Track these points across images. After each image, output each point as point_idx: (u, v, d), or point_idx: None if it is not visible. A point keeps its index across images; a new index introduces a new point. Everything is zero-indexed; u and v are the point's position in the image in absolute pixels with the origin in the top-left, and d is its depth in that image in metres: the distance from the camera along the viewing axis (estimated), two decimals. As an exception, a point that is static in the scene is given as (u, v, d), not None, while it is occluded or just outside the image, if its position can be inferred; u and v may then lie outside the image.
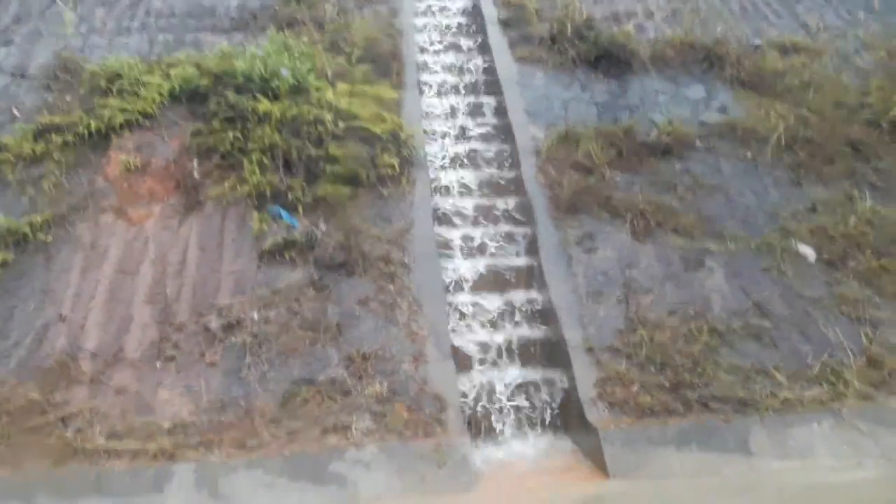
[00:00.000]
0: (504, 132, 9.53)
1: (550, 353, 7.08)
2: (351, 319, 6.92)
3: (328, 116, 8.27)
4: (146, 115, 8.17)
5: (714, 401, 6.42)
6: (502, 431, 6.64)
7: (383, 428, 6.04)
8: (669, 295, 7.41)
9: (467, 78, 10.55)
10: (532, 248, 8.01)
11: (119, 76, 8.54)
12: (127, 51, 9.72)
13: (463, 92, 10.35)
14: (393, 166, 8.32)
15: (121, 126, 8.01)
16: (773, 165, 9.01)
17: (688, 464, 5.93)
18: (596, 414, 6.34)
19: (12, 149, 7.88)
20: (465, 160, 9.16)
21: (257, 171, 7.87)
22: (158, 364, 6.45)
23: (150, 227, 7.51)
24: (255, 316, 6.82)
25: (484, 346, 7.02)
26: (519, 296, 7.61)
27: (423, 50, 11.17)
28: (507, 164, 9.13)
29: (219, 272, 7.23)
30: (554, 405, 6.75)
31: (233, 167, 8.07)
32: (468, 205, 8.47)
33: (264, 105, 8.18)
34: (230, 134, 8.06)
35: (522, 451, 6.50)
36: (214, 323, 6.76)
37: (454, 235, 8.09)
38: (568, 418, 6.69)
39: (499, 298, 7.55)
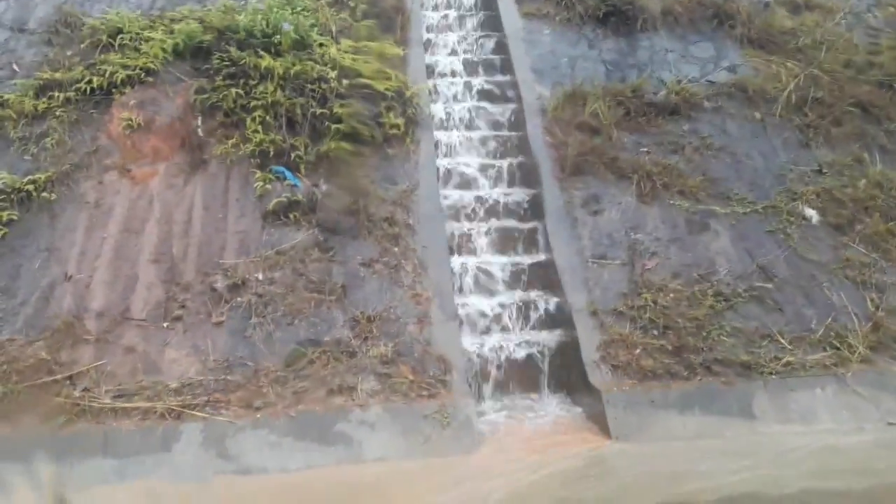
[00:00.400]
0: (510, 90, 9.40)
1: (554, 315, 7.09)
2: (356, 281, 6.93)
3: (332, 74, 8.15)
4: (149, 72, 8.03)
5: (717, 364, 6.46)
6: (505, 393, 6.70)
7: (388, 389, 6.09)
8: (674, 258, 7.39)
9: (473, 35, 10.37)
10: (537, 210, 7.96)
11: (120, 31, 8.40)
12: (128, 5, 9.52)
13: (468, 49, 10.18)
14: (398, 126, 8.22)
15: (122, 83, 7.88)
16: (782, 126, 8.91)
17: (690, 426, 6.00)
18: (599, 376, 6.38)
19: (13, 105, 7.77)
20: (470, 119, 9.05)
21: (260, 129, 7.78)
22: (165, 324, 6.47)
23: (154, 186, 7.46)
24: (261, 276, 6.83)
25: (487, 309, 7.04)
26: (523, 258, 7.60)
27: (427, 6, 10.96)
28: (512, 124, 9.02)
29: (224, 232, 7.20)
30: (557, 368, 6.79)
31: (236, 125, 7.98)
32: (473, 164, 8.40)
33: (266, 61, 8.04)
34: (233, 91, 7.94)
35: (525, 413, 6.55)
36: (220, 283, 6.77)
37: (458, 196, 8.03)
38: (571, 381, 6.73)
39: (503, 260, 7.53)
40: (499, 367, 6.68)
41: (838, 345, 6.61)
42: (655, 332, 6.71)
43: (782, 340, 6.66)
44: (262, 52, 8.13)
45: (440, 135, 8.70)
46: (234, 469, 5.46)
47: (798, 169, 8.39)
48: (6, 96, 7.92)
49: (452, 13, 10.87)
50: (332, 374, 6.17)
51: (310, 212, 7.34)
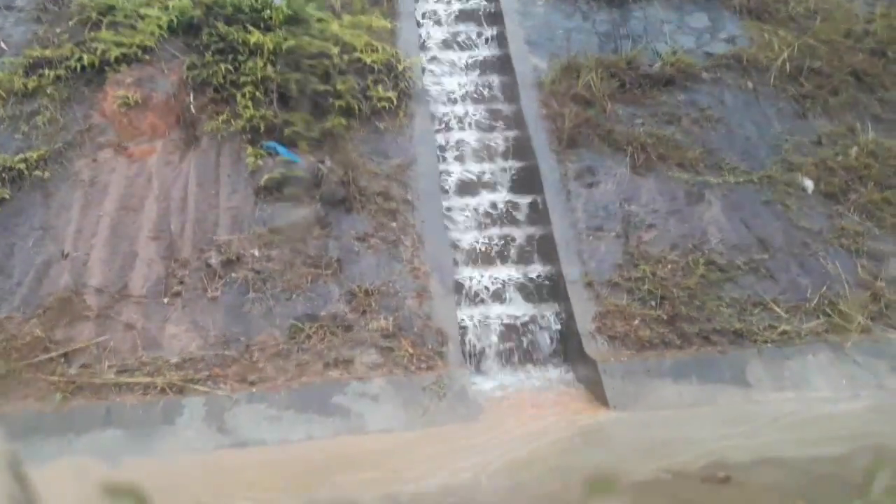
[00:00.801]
0: (504, 63, 9.34)
1: (550, 287, 7.13)
2: (352, 255, 6.93)
3: (335, 50, 8.06)
4: (145, 49, 7.94)
5: (712, 333, 6.51)
6: (503, 364, 6.74)
7: (390, 362, 6.13)
8: (669, 229, 7.42)
9: (467, 6, 10.27)
10: (532, 183, 7.95)
11: (112, 8, 8.27)
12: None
13: (461, 21, 10.08)
14: (390, 99, 8.16)
15: (117, 60, 7.79)
16: (777, 97, 8.89)
17: (685, 395, 6.06)
18: (595, 347, 6.43)
19: (3, 83, 7.68)
20: (465, 93, 9.00)
21: (250, 105, 7.71)
22: (165, 300, 6.48)
23: (153, 163, 7.43)
24: (256, 252, 6.82)
25: (483, 281, 7.06)
26: (519, 231, 7.61)
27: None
28: (507, 97, 8.98)
29: (217, 208, 7.19)
30: (553, 339, 6.83)
31: (226, 101, 7.91)
32: (469, 139, 8.37)
33: (255, 36, 7.92)
34: (222, 67, 7.85)
35: (522, 383, 6.61)
36: (214, 259, 6.77)
37: (454, 170, 8.02)
38: (568, 351, 6.79)
39: (499, 233, 7.54)
40: (496, 338, 6.72)
41: (832, 313, 6.67)
42: (651, 303, 6.75)
43: (777, 309, 6.71)
44: (250, 28, 8.02)
45: (435, 107, 8.66)
46: (236, 442, 5.51)
47: (793, 139, 8.38)
48: (-4, 75, 7.84)
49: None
50: (330, 348, 6.20)
51: (311, 187, 7.30)
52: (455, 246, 7.35)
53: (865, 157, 8.12)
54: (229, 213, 7.15)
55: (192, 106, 7.78)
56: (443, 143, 8.33)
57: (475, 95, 9.03)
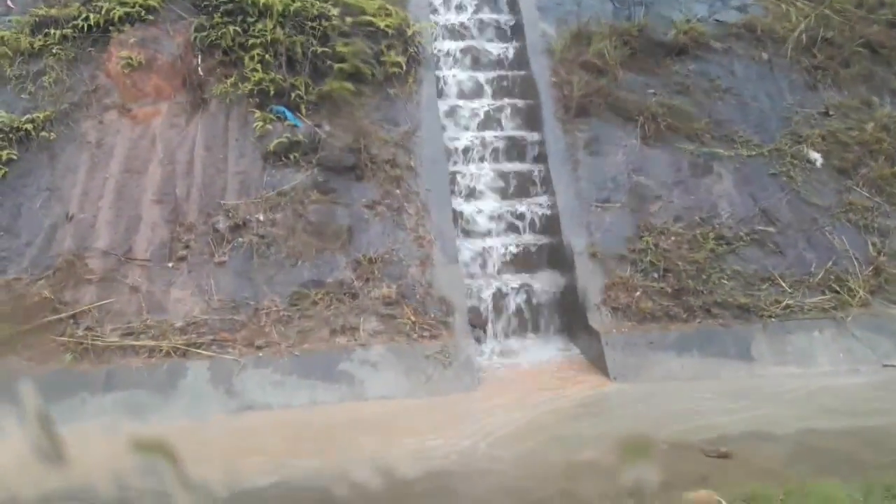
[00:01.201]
0: (515, 29, 9.21)
1: (555, 258, 7.12)
2: (359, 223, 6.93)
3: (335, 11, 7.96)
4: (149, 10, 7.85)
5: (716, 307, 6.52)
6: (506, 335, 6.78)
7: (392, 329, 6.16)
8: (677, 201, 7.38)
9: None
10: (540, 152, 7.89)
11: (117, -34, 8.15)
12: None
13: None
14: (399, 64, 8.08)
15: (120, 20, 7.70)
16: (790, 68, 8.76)
17: (688, 368, 6.10)
18: (599, 319, 6.45)
19: (9, 43, 7.61)
20: (475, 58, 8.90)
21: (259, 68, 7.64)
22: (170, 264, 6.51)
23: (157, 126, 7.38)
24: (262, 217, 6.82)
25: (488, 251, 7.06)
26: (526, 201, 7.57)
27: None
28: (517, 63, 8.87)
29: (224, 172, 7.17)
30: (558, 310, 6.85)
31: (235, 64, 7.83)
32: (477, 107, 8.30)
33: (264, -4, 7.85)
34: (230, 28, 7.75)
35: (525, 353, 6.65)
36: (222, 224, 6.77)
37: (461, 138, 7.97)
38: (571, 323, 6.82)
39: (505, 203, 7.52)
40: (500, 308, 6.74)
41: (838, 288, 6.66)
42: (655, 275, 6.75)
43: (782, 283, 6.71)
44: (259, -13, 7.91)
45: (443, 73, 8.58)
46: (240, 405, 5.58)
47: (804, 111, 8.29)
48: (1, 33, 7.74)
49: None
50: (335, 314, 6.23)
51: (311, 152, 7.27)
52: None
53: (878, 132, 8.03)
54: (237, 177, 7.13)
55: (199, 68, 7.71)
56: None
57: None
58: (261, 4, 7.80)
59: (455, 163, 7.82)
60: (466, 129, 8.19)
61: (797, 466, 4.63)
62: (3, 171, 6.88)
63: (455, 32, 9.22)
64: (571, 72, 8.39)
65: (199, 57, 7.74)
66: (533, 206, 7.49)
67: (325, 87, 7.68)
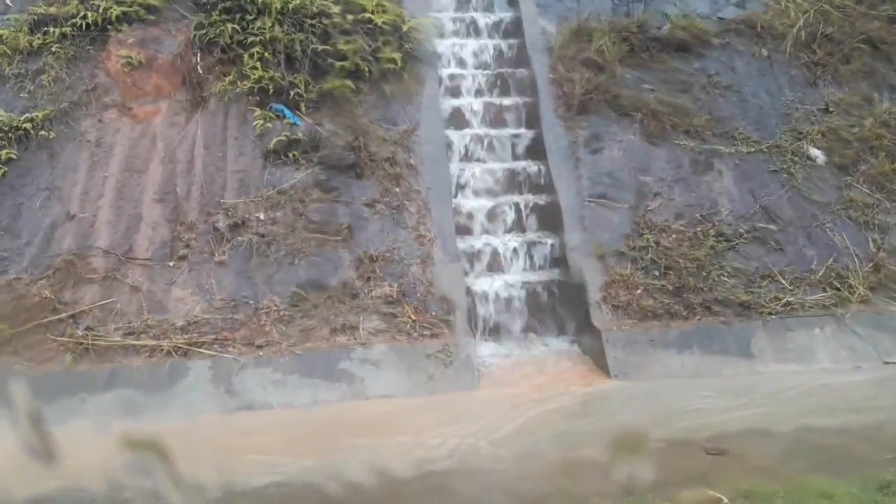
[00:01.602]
0: (515, 26, 9.19)
1: (556, 256, 7.12)
2: (359, 221, 6.92)
3: (335, 9, 7.94)
4: (149, 9, 7.83)
5: (717, 304, 6.52)
6: (507, 332, 6.78)
7: (394, 328, 6.16)
8: (678, 198, 7.37)
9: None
10: (540, 150, 7.88)
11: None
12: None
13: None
14: (394, 61, 8.04)
15: (118, 19, 7.68)
16: (789, 64, 8.75)
17: (688, 365, 6.10)
18: (600, 317, 6.45)
19: (8, 41, 7.59)
20: (474, 56, 8.88)
21: (258, 66, 7.62)
22: (171, 263, 6.51)
23: (157, 125, 7.38)
24: (262, 216, 6.82)
25: (488, 249, 7.07)
26: (526, 199, 7.56)
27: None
28: (517, 61, 8.85)
29: (224, 171, 7.17)
30: (558, 308, 6.85)
31: (233, 62, 7.81)
32: (477, 105, 8.28)
33: (263, -6, 7.82)
34: (229, 26, 7.73)
35: (525, 351, 6.65)
36: (221, 222, 6.77)
37: (461, 137, 7.96)
38: (574, 321, 6.81)
39: (506, 201, 7.51)
40: (500, 306, 6.75)
41: (838, 285, 6.67)
42: (656, 273, 6.75)
43: (783, 281, 6.71)
44: (258, -15, 7.89)
45: (443, 72, 8.55)
46: (241, 404, 5.59)
47: (804, 108, 8.28)
48: (0, 32, 7.75)
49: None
50: (336, 313, 6.23)
51: (311, 150, 7.26)
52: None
53: (878, 128, 8.02)
54: (236, 176, 7.13)
55: (198, 66, 7.69)
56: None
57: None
58: (259, 2, 7.78)
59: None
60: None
61: (797, 463, 4.64)
62: (2, 171, 6.89)
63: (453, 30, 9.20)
64: (571, 69, 8.37)
65: (198, 55, 7.73)
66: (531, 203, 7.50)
67: (325, 84, 7.67)
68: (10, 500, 4.40)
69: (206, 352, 5.86)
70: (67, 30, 7.68)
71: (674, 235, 7.00)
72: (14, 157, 6.98)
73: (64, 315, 6.07)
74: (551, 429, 5.26)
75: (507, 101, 8.39)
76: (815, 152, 7.84)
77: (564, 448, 4.94)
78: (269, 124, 7.36)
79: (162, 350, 5.85)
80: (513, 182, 7.71)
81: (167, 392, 5.60)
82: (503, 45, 8.99)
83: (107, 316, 6.08)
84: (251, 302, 6.32)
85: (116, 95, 7.50)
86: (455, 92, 8.51)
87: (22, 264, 6.38)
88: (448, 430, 5.23)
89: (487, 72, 8.71)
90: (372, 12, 8.14)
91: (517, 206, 7.45)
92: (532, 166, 7.78)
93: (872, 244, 7.04)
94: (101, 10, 7.66)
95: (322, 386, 5.75)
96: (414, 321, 6.23)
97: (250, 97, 7.61)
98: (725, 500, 3.82)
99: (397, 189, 7.19)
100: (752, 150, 7.80)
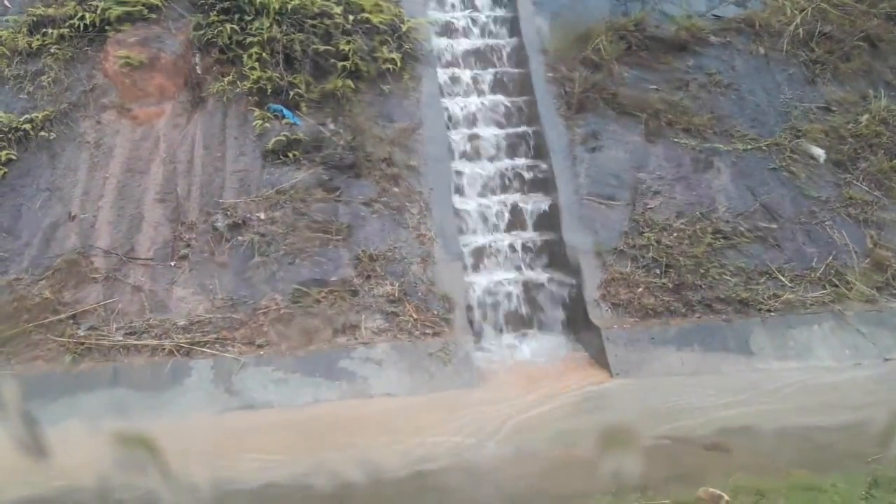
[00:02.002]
0: (512, 24, 9.19)
1: (555, 254, 7.13)
2: (358, 220, 6.93)
3: (338, 10, 7.94)
4: (151, 8, 7.83)
5: (717, 302, 6.54)
6: (507, 331, 6.79)
7: (395, 327, 6.17)
8: (677, 196, 7.39)
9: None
10: (539, 149, 7.89)
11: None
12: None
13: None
14: (393, 61, 8.04)
15: (119, 19, 7.68)
16: (788, 62, 8.76)
17: (689, 363, 6.11)
18: (599, 314, 6.46)
19: (7, 42, 7.59)
20: (473, 56, 8.88)
21: (257, 66, 7.62)
22: (173, 263, 6.51)
23: (160, 126, 7.38)
24: (262, 216, 6.82)
25: (489, 248, 7.07)
26: (525, 197, 7.58)
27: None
28: (514, 60, 8.86)
29: (223, 171, 7.17)
30: (558, 306, 6.86)
31: (232, 62, 7.81)
32: (476, 104, 8.29)
33: (262, -6, 7.82)
34: (227, 27, 7.73)
35: (526, 349, 6.66)
36: (221, 222, 6.77)
37: (460, 137, 7.97)
38: (573, 319, 6.82)
39: (505, 200, 7.51)
40: (500, 304, 6.76)
41: (838, 283, 6.68)
42: (656, 271, 6.76)
43: (782, 278, 6.72)
44: (256, -14, 7.89)
45: (441, 71, 8.54)
46: (243, 404, 5.58)
47: (803, 106, 8.29)
48: (-1, 33, 7.75)
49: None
50: (337, 312, 6.24)
51: (313, 150, 7.27)
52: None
53: (876, 125, 8.04)
54: (236, 176, 7.13)
55: (198, 67, 7.70)
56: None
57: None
58: (257, 2, 7.77)
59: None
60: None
61: (797, 460, 4.65)
62: (2, 172, 6.88)
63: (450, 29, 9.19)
64: (569, 68, 8.38)
65: (197, 55, 7.73)
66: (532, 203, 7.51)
67: (328, 85, 7.67)
68: (8, 501, 4.41)
69: (209, 351, 5.86)
70: (66, 31, 7.66)
71: (674, 234, 7.01)
72: (14, 157, 6.97)
73: (64, 315, 6.06)
74: (553, 427, 5.28)
75: (504, 100, 8.38)
76: (819, 151, 7.85)
77: (566, 446, 4.96)
78: (267, 124, 7.36)
79: (164, 349, 5.85)
80: (511, 180, 7.70)
81: (168, 391, 5.60)
82: (500, 43, 8.99)
83: (108, 316, 6.08)
84: (251, 301, 6.32)
85: (115, 96, 7.48)
86: (451, 91, 8.51)
87: (22, 265, 6.38)
88: (449, 428, 5.25)
89: (485, 70, 8.70)
90: (370, 12, 8.14)
91: (515, 204, 7.45)
92: (530, 164, 7.78)
93: (871, 241, 7.05)
94: (99, 11, 7.65)
95: (324, 385, 5.75)
96: (416, 320, 6.24)
97: (249, 97, 7.61)
98: (726, 497, 3.82)
99: (396, 189, 7.19)
100: (750, 147, 7.82)
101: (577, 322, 6.72)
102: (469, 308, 6.64)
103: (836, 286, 6.65)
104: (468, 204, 7.42)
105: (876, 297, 6.59)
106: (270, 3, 7.77)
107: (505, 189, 7.68)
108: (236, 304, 6.29)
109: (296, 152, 7.24)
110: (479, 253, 7.07)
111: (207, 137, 7.37)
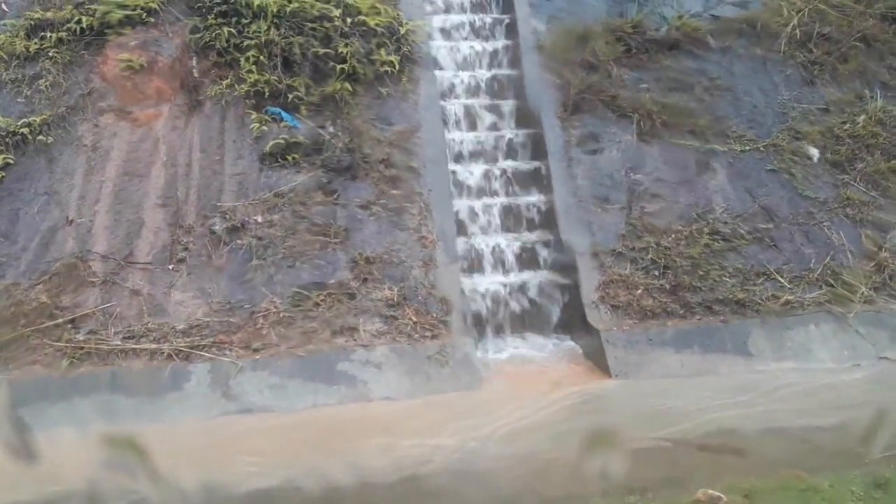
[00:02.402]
0: (509, 26, 9.19)
1: (554, 256, 7.12)
2: (355, 223, 6.92)
3: (336, 13, 7.95)
4: (149, 11, 7.83)
5: (715, 303, 6.54)
6: (506, 333, 6.79)
7: (395, 330, 6.16)
8: (674, 197, 7.39)
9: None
10: (535, 150, 7.90)
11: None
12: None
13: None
14: (391, 63, 8.04)
15: (120, 23, 7.68)
16: (785, 63, 8.77)
17: (687, 364, 6.12)
18: (598, 316, 6.46)
19: (5, 46, 7.58)
20: (470, 57, 8.88)
21: (254, 69, 7.63)
22: (171, 266, 6.50)
23: (159, 128, 7.38)
24: (260, 219, 6.82)
25: (487, 250, 7.07)
26: (522, 199, 7.57)
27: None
28: (511, 61, 8.86)
29: (221, 175, 7.17)
30: (556, 308, 6.86)
31: (230, 65, 7.82)
32: (473, 105, 8.29)
33: (258, -2, 7.83)
34: (225, 30, 7.74)
35: (525, 351, 6.66)
36: (219, 226, 6.77)
37: (457, 138, 7.97)
38: (571, 321, 6.82)
39: (502, 202, 7.52)
40: (499, 306, 6.75)
41: (835, 283, 6.68)
42: (654, 272, 6.76)
43: (780, 279, 6.73)
44: (254, -11, 7.89)
45: (441, 73, 8.56)
46: (241, 408, 5.57)
47: (802, 107, 8.30)
48: (-3, 37, 7.74)
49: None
50: (336, 315, 6.23)
51: (314, 153, 7.27)
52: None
53: (873, 126, 8.05)
54: (234, 179, 7.13)
55: (195, 70, 7.70)
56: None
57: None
58: (255, 6, 7.78)
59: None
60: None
61: (796, 460, 4.65)
62: (0, 176, 6.87)
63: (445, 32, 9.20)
64: (566, 69, 8.38)
65: (194, 59, 7.73)
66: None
67: (327, 88, 7.67)
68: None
69: (206, 355, 5.85)
70: (64, 35, 7.65)
71: (671, 235, 7.01)
72: (11, 162, 6.97)
73: (61, 320, 6.05)
74: (551, 429, 5.27)
75: (500, 102, 8.38)
76: (812, 150, 7.86)
77: (564, 448, 4.94)
78: (265, 127, 7.36)
79: (163, 353, 5.84)
80: (510, 181, 7.70)
81: (168, 396, 5.58)
82: (497, 45, 8.99)
83: (107, 320, 6.07)
84: (249, 305, 6.31)
85: (113, 100, 7.47)
86: (448, 93, 8.51)
87: (19, 269, 6.37)
88: (447, 431, 5.24)
89: (481, 72, 8.71)
90: (367, 15, 8.15)
91: (513, 206, 7.45)
92: (528, 166, 7.79)
93: (869, 241, 7.06)
94: (97, 14, 7.65)
95: (323, 389, 5.73)
96: (416, 323, 6.23)
97: (247, 100, 7.61)
98: (724, 499, 3.82)
99: (394, 191, 7.19)
100: (748, 148, 7.82)
101: (576, 324, 6.72)
102: (468, 310, 6.63)
103: (834, 287, 6.65)
104: (466, 205, 7.42)
105: (874, 298, 6.59)
106: (268, 7, 7.77)
107: (503, 191, 7.67)
108: (234, 307, 6.28)
109: (295, 155, 7.24)
110: (478, 255, 7.06)
111: (205, 141, 7.37)
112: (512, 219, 7.43)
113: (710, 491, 3.87)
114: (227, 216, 6.83)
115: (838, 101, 8.38)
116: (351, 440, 5.19)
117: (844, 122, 8.14)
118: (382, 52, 8.05)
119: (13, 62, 7.56)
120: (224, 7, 7.85)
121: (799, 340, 6.27)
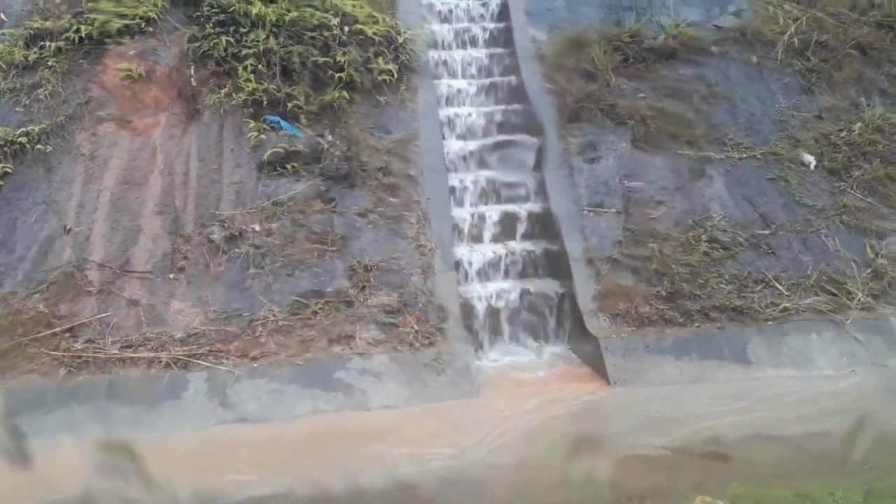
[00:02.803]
0: (506, 35, 9.23)
1: (552, 264, 7.13)
2: (353, 231, 6.92)
3: (335, 21, 7.98)
4: (149, 21, 7.86)
5: (713, 310, 6.53)
6: (504, 341, 6.78)
7: (394, 339, 6.15)
8: (671, 205, 7.39)
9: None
10: (535, 158, 7.91)
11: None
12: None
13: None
14: (390, 72, 8.07)
15: (119, 32, 7.71)
16: (783, 71, 8.80)
17: (686, 371, 6.10)
18: (596, 324, 6.46)
19: (3, 55, 7.62)
20: (468, 66, 8.91)
21: (252, 78, 7.65)
22: (171, 275, 6.50)
23: (157, 137, 7.39)
24: (258, 227, 6.82)
25: (485, 258, 7.07)
26: (520, 206, 7.57)
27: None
28: (509, 70, 8.89)
29: (219, 183, 7.18)
30: (555, 315, 6.86)
31: (228, 74, 7.84)
32: (471, 113, 8.31)
33: (257, 7, 7.83)
34: (223, 39, 7.77)
35: (523, 359, 6.65)
36: (217, 234, 6.77)
37: (454, 147, 7.98)
38: (569, 328, 6.82)
39: (500, 210, 7.52)
40: (497, 314, 6.75)
41: (833, 290, 6.67)
42: (652, 280, 6.76)
43: (778, 286, 6.72)
44: (252, -1, 7.94)
45: (438, 83, 8.58)
46: (240, 416, 5.55)
47: (800, 115, 8.32)
48: (-5, 46, 7.77)
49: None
50: (334, 323, 6.22)
51: (313, 162, 7.28)
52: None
53: (870, 133, 8.07)
54: (232, 188, 7.14)
55: (192, 79, 7.72)
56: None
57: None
58: (253, 15, 7.81)
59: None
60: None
61: (796, 468, 4.66)
62: (-2, 185, 6.89)
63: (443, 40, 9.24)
64: (564, 78, 8.42)
65: (192, 68, 7.76)
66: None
67: (326, 97, 7.69)
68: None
69: (204, 363, 5.84)
70: (62, 44, 7.68)
71: (669, 242, 7.01)
72: (10, 171, 6.98)
73: (59, 329, 6.04)
74: (551, 437, 5.26)
75: (499, 109, 8.42)
76: (808, 157, 7.87)
77: (563, 456, 4.94)
78: (263, 136, 7.38)
79: (161, 362, 5.82)
80: (508, 188, 7.71)
81: (165, 404, 5.57)
82: (495, 54, 9.03)
83: (104, 329, 6.06)
84: (247, 313, 6.30)
85: (112, 109, 7.49)
86: (447, 101, 8.54)
87: (17, 278, 6.37)
88: (446, 439, 5.24)
89: (480, 80, 8.73)
90: (364, 24, 8.18)
91: (511, 213, 7.46)
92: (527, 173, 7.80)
93: (866, 249, 7.06)
94: (96, 24, 7.68)
95: (322, 398, 5.72)
96: (416, 331, 6.21)
97: (245, 109, 7.63)
98: (723, 507, 3.82)
99: (392, 199, 7.19)
100: (745, 156, 7.84)
101: (575, 331, 6.72)
102: (467, 318, 6.63)
103: (833, 294, 6.64)
104: (465, 213, 7.42)
105: (872, 304, 6.59)
106: (267, 16, 7.81)
107: (501, 198, 7.68)
108: (232, 316, 6.27)
109: (294, 164, 7.25)
110: (476, 262, 7.06)
111: (203, 149, 7.38)
112: (511, 226, 7.42)
113: (708, 498, 3.86)
114: (226, 225, 6.83)
115: (835, 109, 8.41)
116: (348, 449, 5.17)
117: (841, 130, 8.15)
118: (380, 60, 8.08)
119: (12, 71, 7.59)
120: (222, 16, 7.89)
121: (797, 347, 6.26)
